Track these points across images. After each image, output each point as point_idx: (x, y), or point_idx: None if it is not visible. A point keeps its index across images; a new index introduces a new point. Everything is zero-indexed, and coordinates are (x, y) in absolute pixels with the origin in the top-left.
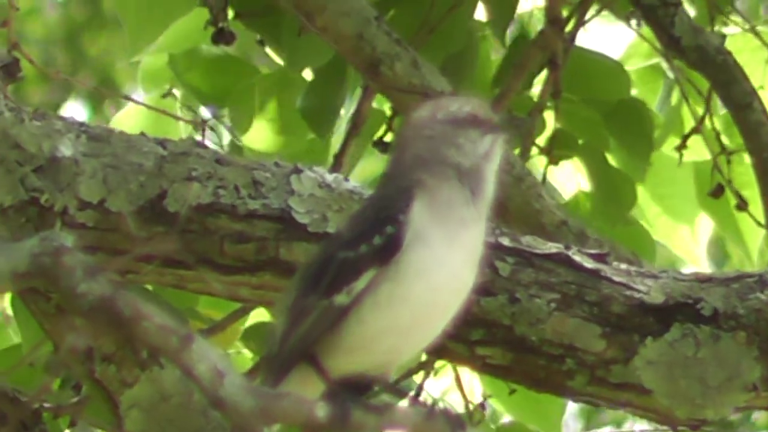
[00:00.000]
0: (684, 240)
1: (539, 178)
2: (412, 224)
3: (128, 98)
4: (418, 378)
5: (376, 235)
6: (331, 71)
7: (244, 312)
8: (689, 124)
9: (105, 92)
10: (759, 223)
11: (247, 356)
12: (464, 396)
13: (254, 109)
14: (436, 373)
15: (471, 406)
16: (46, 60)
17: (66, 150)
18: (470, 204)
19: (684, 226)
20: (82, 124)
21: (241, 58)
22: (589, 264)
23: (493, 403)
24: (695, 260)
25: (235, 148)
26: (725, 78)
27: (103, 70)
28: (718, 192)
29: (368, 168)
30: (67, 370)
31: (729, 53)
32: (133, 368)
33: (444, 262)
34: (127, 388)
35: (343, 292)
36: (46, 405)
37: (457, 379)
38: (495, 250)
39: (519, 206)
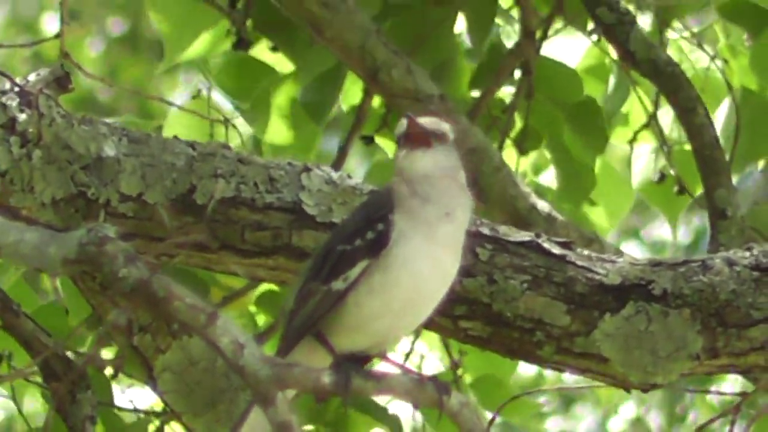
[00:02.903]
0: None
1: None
2: (396, 224)
3: (165, 101)
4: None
5: (368, 231)
6: (328, 72)
7: (258, 282)
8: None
9: (147, 96)
10: (693, 197)
11: (260, 319)
12: (449, 353)
13: (271, 104)
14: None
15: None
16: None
17: (110, 150)
18: (427, 205)
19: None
20: (123, 128)
21: (261, 60)
22: (556, 250)
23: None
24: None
25: (256, 140)
26: (673, 86)
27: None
28: (662, 178)
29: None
30: (110, 340)
31: (677, 65)
32: (165, 337)
33: (425, 254)
34: (160, 354)
35: (339, 279)
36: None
37: (442, 339)
38: (476, 238)
39: (497, 193)
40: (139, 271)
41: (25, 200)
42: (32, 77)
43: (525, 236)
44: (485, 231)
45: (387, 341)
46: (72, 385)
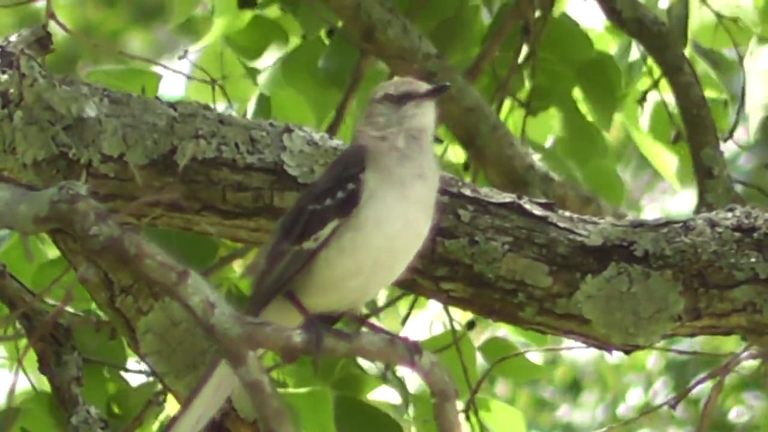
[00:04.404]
0: (662, 158)
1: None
2: (367, 183)
3: (149, 60)
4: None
5: (339, 191)
6: (343, 39)
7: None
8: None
9: (130, 56)
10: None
11: None
12: (450, 317)
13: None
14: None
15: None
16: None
17: (91, 111)
18: (406, 162)
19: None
20: (104, 88)
21: (273, 20)
22: (538, 211)
23: None
24: (668, 174)
25: (264, 98)
26: (660, 45)
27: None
28: (677, 139)
29: None
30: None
31: (663, 24)
32: (147, 298)
33: (397, 214)
34: (142, 315)
35: (311, 239)
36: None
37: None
38: (457, 199)
39: (494, 152)
40: (110, 229)
41: (7, 161)
42: (13, 38)
43: (506, 198)
44: (467, 192)
45: (358, 300)
46: (57, 346)
